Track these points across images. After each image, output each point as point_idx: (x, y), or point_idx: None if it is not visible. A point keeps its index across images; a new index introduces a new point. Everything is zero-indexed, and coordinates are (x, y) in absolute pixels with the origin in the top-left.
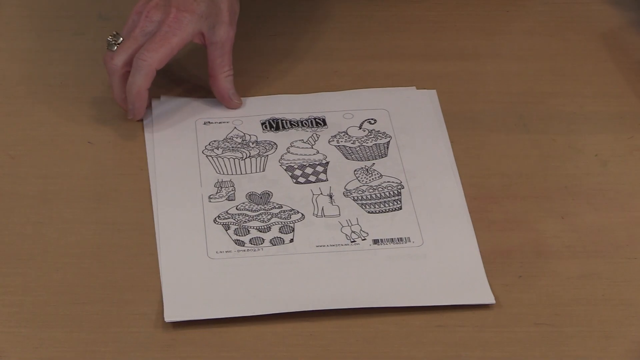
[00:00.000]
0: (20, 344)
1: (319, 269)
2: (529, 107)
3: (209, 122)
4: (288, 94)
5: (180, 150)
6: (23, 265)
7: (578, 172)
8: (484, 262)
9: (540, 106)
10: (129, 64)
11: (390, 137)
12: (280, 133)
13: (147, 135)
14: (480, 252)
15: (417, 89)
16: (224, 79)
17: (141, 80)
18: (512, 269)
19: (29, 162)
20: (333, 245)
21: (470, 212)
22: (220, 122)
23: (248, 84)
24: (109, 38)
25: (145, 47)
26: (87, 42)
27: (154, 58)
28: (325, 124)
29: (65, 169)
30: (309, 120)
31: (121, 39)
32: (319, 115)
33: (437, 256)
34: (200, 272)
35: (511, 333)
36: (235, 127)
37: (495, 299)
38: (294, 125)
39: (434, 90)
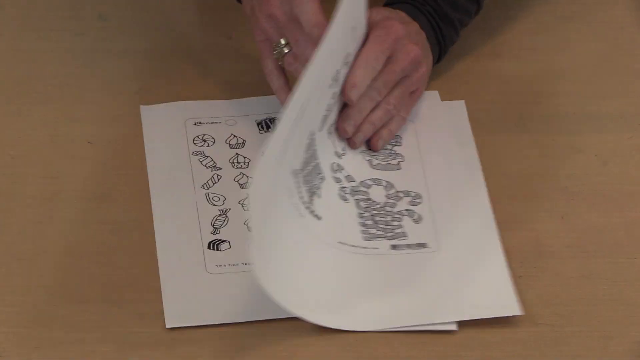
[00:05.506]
0: (20, 344)
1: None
2: (529, 107)
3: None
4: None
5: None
6: (23, 265)
7: (578, 172)
8: None
9: (540, 106)
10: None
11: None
12: None
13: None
14: None
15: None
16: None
17: None
18: (512, 269)
19: (29, 162)
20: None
21: None
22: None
23: (248, 84)
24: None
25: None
26: (87, 42)
27: None
28: None
29: (65, 169)
30: None
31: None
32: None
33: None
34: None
35: (511, 333)
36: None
37: None
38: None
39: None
